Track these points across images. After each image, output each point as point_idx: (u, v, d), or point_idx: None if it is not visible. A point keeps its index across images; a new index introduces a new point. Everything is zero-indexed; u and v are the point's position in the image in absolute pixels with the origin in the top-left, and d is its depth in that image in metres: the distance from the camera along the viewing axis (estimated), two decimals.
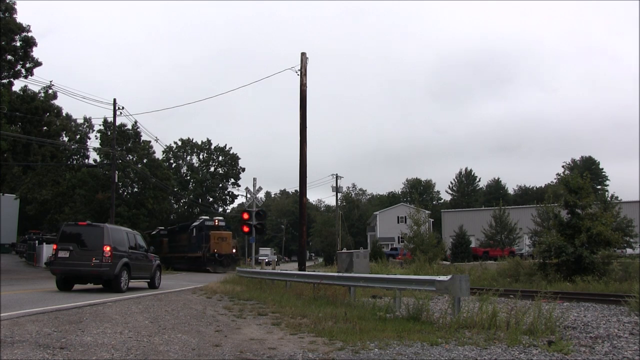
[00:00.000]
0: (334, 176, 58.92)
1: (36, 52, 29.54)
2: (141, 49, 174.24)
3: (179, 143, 73.75)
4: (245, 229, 22.50)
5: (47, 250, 32.36)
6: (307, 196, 20.38)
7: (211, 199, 73.86)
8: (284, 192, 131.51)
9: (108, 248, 14.27)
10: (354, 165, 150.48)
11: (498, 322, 7.91)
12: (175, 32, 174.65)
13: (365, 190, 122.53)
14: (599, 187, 73.83)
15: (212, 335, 7.27)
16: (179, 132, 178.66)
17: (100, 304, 11.06)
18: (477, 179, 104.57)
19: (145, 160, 45.85)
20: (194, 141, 74.82)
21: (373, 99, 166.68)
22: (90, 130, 55.90)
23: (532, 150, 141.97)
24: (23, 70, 29.48)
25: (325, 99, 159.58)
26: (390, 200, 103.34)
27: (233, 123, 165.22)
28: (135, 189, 45.27)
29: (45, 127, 32.77)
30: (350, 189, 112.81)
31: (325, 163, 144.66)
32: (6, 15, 28.01)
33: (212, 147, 74.78)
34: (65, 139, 44.08)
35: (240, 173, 74.92)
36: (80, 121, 56.90)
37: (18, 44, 28.80)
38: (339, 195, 64.42)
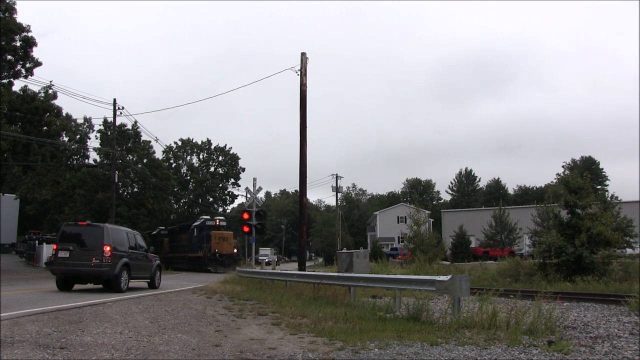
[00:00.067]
0: (334, 176, 59.00)
1: (36, 52, 29.66)
2: (141, 49, 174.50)
3: (179, 143, 73.86)
4: (245, 229, 22.53)
5: (47, 250, 32.36)
6: (307, 196, 20.39)
7: (211, 199, 73.91)
8: (284, 192, 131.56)
9: (108, 248, 14.28)
10: (354, 165, 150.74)
11: (498, 322, 7.91)
12: (175, 32, 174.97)
13: (365, 190, 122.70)
14: (599, 187, 73.82)
15: (212, 335, 7.27)
16: (179, 132, 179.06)
17: (100, 304, 11.06)
18: (477, 179, 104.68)
19: (145, 160, 45.85)
20: (194, 141, 74.93)
21: (373, 99, 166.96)
22: (90, 130, 56.12)
23: (532, 150, 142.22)
24: (23, 70, 29.50)
25: (325, 99, 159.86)
26: (390, 200, 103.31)
27: (233, 123, 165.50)
28: (135, 189, 45.27)
29: (45, 127, 32.77)
30: (350, 189, 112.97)
31: (325, 163, 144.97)
32: (6, 15, 28.02)
33: (212, 147, 74.88)
34: (65, 139, 44.10)
35: (240, 173, 75.06)
36: (80, 121, 57.13)
37: (18, 44, 28.81)
38: (339, 195, 64.42)
